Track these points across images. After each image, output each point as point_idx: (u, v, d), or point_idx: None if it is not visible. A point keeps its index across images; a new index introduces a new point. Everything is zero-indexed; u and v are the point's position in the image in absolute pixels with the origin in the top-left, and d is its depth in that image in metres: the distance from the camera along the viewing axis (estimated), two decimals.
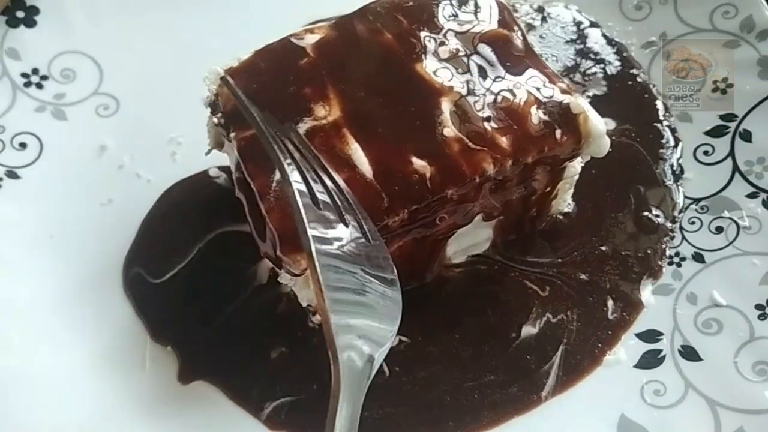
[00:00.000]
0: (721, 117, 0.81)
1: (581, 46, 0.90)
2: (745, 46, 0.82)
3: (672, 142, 0.82)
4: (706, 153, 0.80)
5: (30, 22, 0.88)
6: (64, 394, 0.72)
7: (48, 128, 0.85)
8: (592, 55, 0.89)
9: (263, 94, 0.66)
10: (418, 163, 0.63)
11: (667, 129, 0.83)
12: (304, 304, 0.72)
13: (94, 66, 0.89)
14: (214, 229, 0.80)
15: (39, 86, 0.87)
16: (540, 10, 0.92)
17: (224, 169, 0.83)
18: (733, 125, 0.80)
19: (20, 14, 0.87)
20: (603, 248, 0.77)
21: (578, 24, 0.91)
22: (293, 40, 0.70)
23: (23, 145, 0.84)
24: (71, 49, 0.89)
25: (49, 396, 0.72)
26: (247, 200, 0.69)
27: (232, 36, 0.90)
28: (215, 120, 0.67)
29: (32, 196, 0.82)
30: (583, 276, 0.76)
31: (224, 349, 0.74)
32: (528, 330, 0.74)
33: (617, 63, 0.88)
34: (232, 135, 0.65)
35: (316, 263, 0.49)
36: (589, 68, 0.88)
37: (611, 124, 0.83)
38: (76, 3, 0.90)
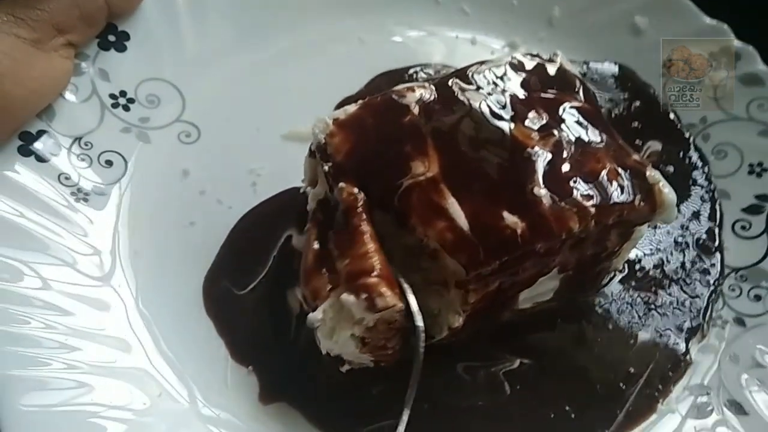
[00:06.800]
0: (757, 197, 0.90)
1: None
2: None
3: (714, 213, 0.91)
4: (743, 228, 0.89)
5: (120, 47, 0.92)
6: (146, 413, 0.73)
7: (133, 149, 0.89)
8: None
9: (370, 150, 0.72)
10: (510, 218, 0.68)
11: (709, 200, 0.92)
12: (324, 352, 0.71)
13: (177, 95, 0.94)
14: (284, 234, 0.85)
15: (126, 108, 0.90)
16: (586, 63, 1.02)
17: None
18: None
19: (112, 38, 0.91)
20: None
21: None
22: (395, 97, 0.75)
23: (109, 163, 0.87)
24: (156, 77, 0.93)
25: (128, 415, 0.73)
26: None
27: (309, 76, 0.98)
28: (326, 168, 0.71)
29: (117, 213, 0.85)
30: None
31: (304, 373, 0.77)
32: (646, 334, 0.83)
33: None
34: (341, 185, 0.69)
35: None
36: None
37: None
38: (164, 33, 0.94)
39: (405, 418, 0.66)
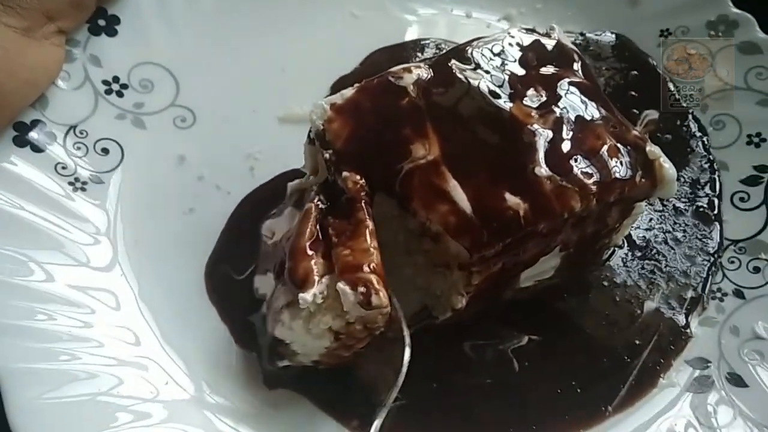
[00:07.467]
0: (755, 168, 0.90)
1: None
2: None
3: (714, 184, 0.91)
4: (742, 199, 0.89)
5: (111, 31, 0.90)
6: (153, 401, 0.74)
7: (128, 136, 0.88)
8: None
9: (369, 135, 0.71)
10: (512, 200, 0.68)
11: (708, 170, 0.92)
12: (288, 341, 0.69)
13: (170, 78, 0.92)
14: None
15: (119, 94, 0.89)
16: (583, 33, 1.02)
17: None
18: (766, 176, 0.89)
19: (102, 22, 0.90)
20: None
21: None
22: (392, 79, 0.73)
23: (105, 151, 0.87)
24: (149, 61, 0.92)
25: (136, 403, 0.73)
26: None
27: (303, 54, 0.96)
28: (326, 156, 0.71)
29: (116, 201, 0.85)
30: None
31: None
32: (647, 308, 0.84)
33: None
34: (345, 174, 0.69)
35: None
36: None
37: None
38: (154, 16, 0.93)
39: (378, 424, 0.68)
